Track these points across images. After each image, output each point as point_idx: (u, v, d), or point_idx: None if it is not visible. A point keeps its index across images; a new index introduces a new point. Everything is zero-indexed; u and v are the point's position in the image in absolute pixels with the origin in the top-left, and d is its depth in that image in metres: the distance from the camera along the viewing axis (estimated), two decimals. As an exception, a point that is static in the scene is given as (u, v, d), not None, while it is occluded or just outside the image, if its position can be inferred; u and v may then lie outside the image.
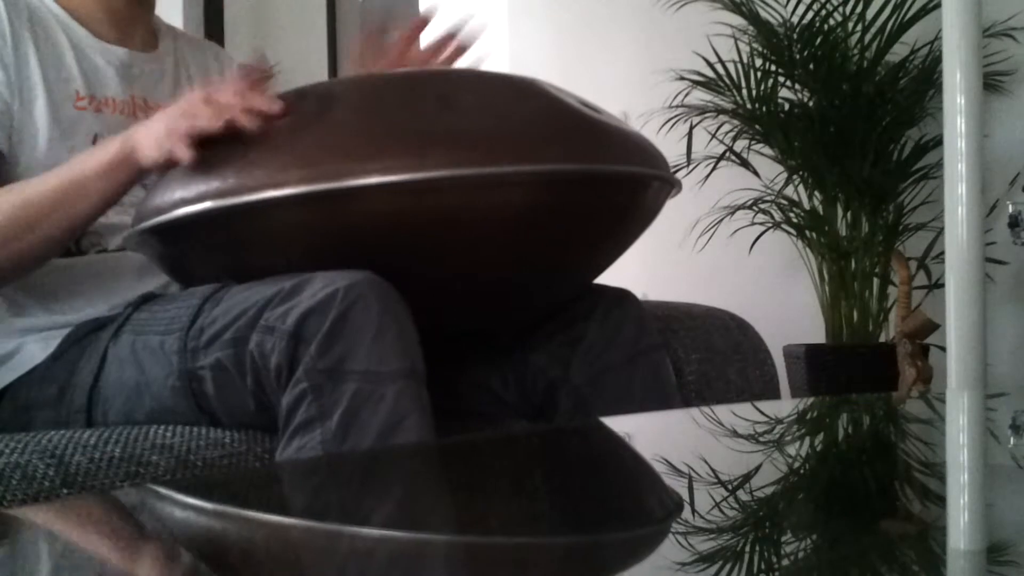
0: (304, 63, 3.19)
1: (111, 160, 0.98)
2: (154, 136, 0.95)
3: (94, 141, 1.09)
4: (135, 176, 0.99)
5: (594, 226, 0.99)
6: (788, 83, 2.51)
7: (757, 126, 2.55)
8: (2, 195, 1.00)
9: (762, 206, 2.57)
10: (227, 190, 0.90)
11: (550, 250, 0.98)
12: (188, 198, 0.92)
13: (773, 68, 2.50)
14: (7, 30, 1.06)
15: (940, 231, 1.76)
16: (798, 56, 2.43)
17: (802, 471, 0.64)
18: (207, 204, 0.90)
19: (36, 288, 1.09)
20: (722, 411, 0.91)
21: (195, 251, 1.00)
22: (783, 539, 0.47)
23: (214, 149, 0.95)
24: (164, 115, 0.96)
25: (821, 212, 2.51)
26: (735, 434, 0.78)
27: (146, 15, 1.21)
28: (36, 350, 1.07)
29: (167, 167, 0.96)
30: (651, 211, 1.04)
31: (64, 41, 1.11)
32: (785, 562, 0.43)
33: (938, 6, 1.67)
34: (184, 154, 0.92)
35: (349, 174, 0.87)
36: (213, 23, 3.39)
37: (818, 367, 2.37)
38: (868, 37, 2.41)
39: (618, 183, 0.97)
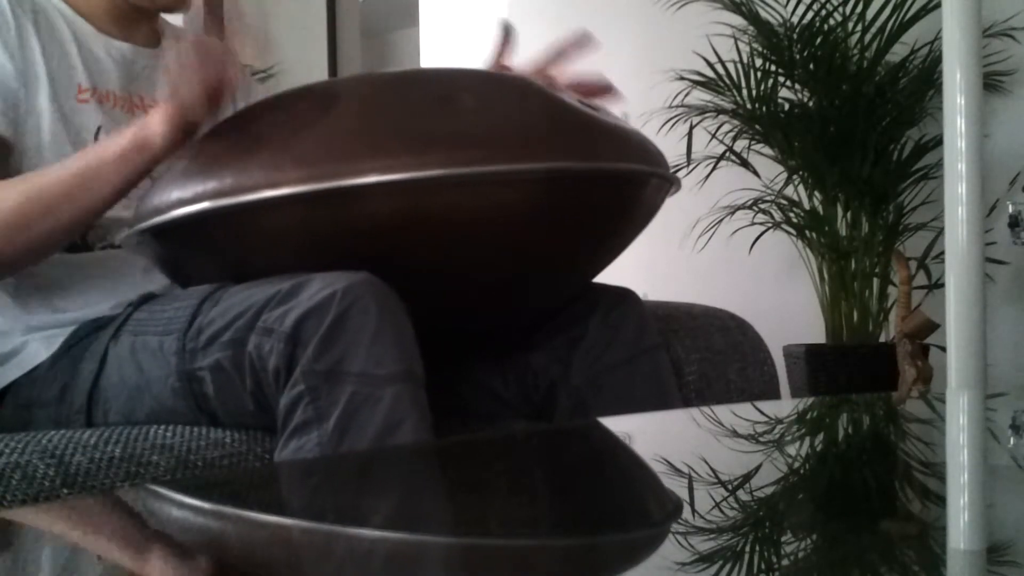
0: (304, 63, 3.19)
1: (127, 144, 0.98)
2: (163, 113, 0.96)
3: (97, 133, 1.09)
4: (152, 160, 0.99)
5: (593, 224, 0.99)
6: (788, 83, 2.52)
7: (757, 126, 2.55)
8: (15, 184, 1.00)
9: (762, 206, 2.58)
10: (225, 190, 0.90)
11: (549, 248, 0.98)
12: (186, 198, 0.92)
13: (773, 68, 2.50)
14: (11, 20, 1.06)
15: (940, 231, 1.76)
16: (798, 56, 2.43)
17: (802, 471, 0.64)
18: (205, 204, 0.90)
19: (41, 285, 1.09)
20: (722, 411, 0.91)
21: (193, 251, 1.00)
22: (783, 539, 0.47)
23: (212, 149, 0.95)
24: (166, 98, 0.97)
25: (821, 212, 2.51)
26: (735, 434, 0.78)
27: (150, 16, 1.21)
28: (40, 349, 1.07)
29: (183, 141, 0.97)
30: (650, 209, 1.04)
31: (67, 34, 1.11)
32: (785, 562, 0.43)
33: (938, 6, 1.67)
34: (199, 114, 0.95)
35: (347, 173, 0.87)
36: (213, 23, 3.38)
37: (818, 367, 2.37)
38: (868, 37, 2.42)
39: (617, 181, 0.97)
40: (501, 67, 1.17)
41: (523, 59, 1.14)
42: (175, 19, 1.29)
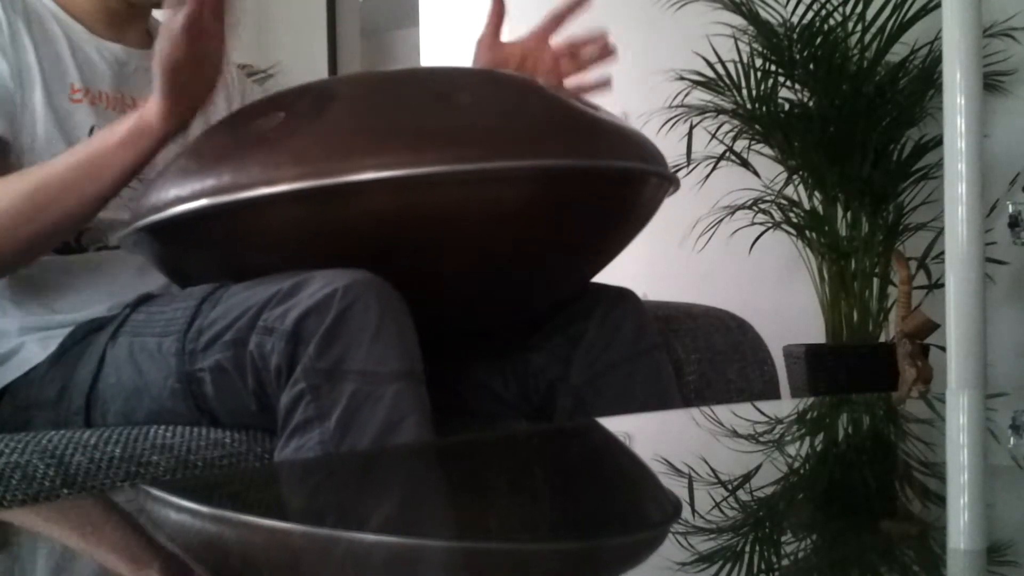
0: (304, 63, 3.19)
1: (127, 131, 0.98)
2: (161, 97, 0.96)
3: (90, 133, 1.09)
4: (152, 144, 0.99)
5: (592, 222, 0.99)
6: (788, 83, 2.52)
7: (757, 126, 2.55)
8: (18, 177, 1.00)
9: (762, 206, 2.58)
10: (222, 187, 0.90)
11: (548, 246, 0.98)
12: (183, 196, 0.92)
13: (773, 68, 2.50)
14: (4, 21, 1.06)
15: (940, 231, 1.76)
16: (798, 56, 2.43)
17: (802, 471, 0.64)
18: (203, 202, 0.90)
19: (36, 285, 1.09)
20: (722, 411, 0.91)
21: (191, 250, 1.00)
22: (783, 539, 0.47)
23: (210, 146, 0.95)
24: (156, 81, 0.97)
25: (821, 212, 2.51)
26: (735, 434, 0.78)
27: (142, 16, 1.21)
28: (37, 350, 1.07)
29: (182, 125, 0.98)
30: (649, 208, 1.04)
31: (59, 34, 1.11)
32: (785, 562, 0.43)
33: (938, 6, 1.67)
34: (195, 96, 0.96)
35: (345, 170, 0.87)
36: (213, 23, 3.38)
37: (818, 367, 2.37)
38: (868, 37, 2.42)
39: (616, 179, 0.97)
40: (495, 40, 1.17)
41: (519, 31, 1.16)
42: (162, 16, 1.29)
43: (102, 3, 1.15)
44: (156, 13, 1.23)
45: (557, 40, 1.18)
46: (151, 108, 0.97)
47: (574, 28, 1.18)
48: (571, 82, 1.18)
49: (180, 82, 0.95)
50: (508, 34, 1.20)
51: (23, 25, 1.08)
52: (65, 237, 1.05)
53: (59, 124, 1.07)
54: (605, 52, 1.18)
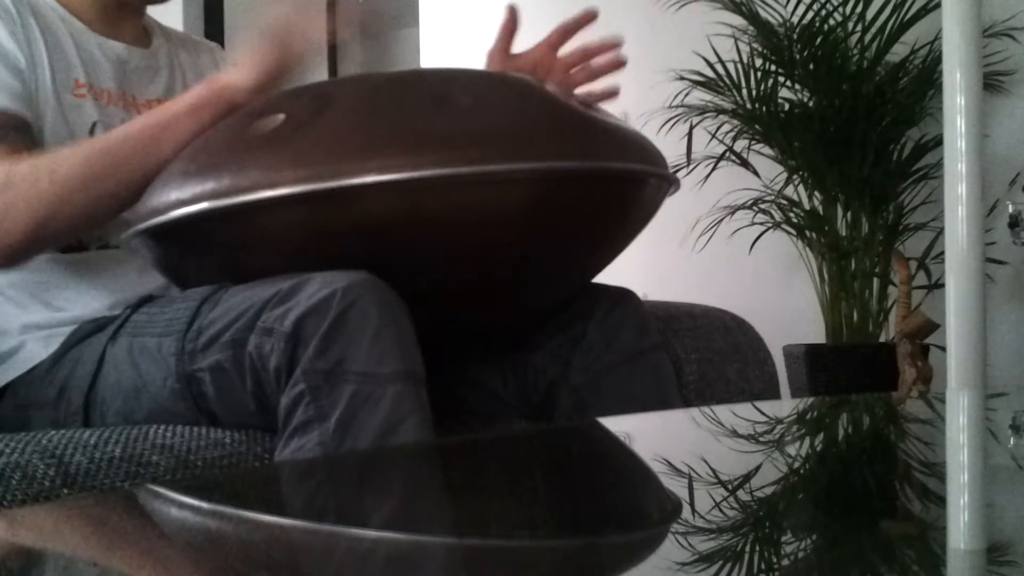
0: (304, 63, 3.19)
1: (199, 98, 1.01)
2: (250, 63, 1.00)
3: (92, 130, 1.10)
4: (226, 111, 1.01)
5: (592, 224, 0.99)
6: (788, 83, 2.51)
7: (757, 126, 2.55)
8: (78, 146, 1.01)
9: (762, 206, 2.57)
10: (222, 190, 0.90)
11: (547, 248, 0.98)
12: (184, 199, 0.92)
13: (773, 68, 2.50)
14: (15, 15, 1.07)
15: (940, 231, 1.76)
16: (798, 56, 2.43)
17: (802, 471, 0.64)
18: (203, 205, 0.90)
19: (39, 284, 1.09)
20: (722, 411, 0.91)
21: (191, 252, 1.00)
22: (783, 539, 0.47)
23: (210, 149, 0.95)
24: (261, 56, 1.02)
25: (821, 212, 2.51)
26: (735, 434, 0.78)
27: (137, 14, 1.22)
28: (38, 349, 1.07)
29: (262, 92, 1.01)
30: (649, 209, 1.04)
31: (64, 31, 1.12)
32: (785, 562, 0.43)
33: (938, 6, 1.67)
34: (277, 61, 1.01)
35: (345, 173, 0.87)
36: (213, 23, 3.38)
37: (818, 367, 2.37)
38: (868, 37, 2.41)
39: (615, 180, 0.97)
40: (506, 53, 1.17)
41: (528, 43, 1.16)
42: (162, 16, 1.29)
43: (98, 0, 1.16)
44: (150, 10, 1.24)
45: (570, 48, 1.19)
46: (235, 73, 1.01)
47: (588, 34, 1.18)
48: (579, 91, 1.18)
49: (280, 64, 1.00)
50: (519, 45, 1.20)
51: (32, 20, 1.09)
52: (122, 208, 1.04)
53: (64, 117, 1.08)
54: (616, 63, 1.18)
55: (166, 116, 1.01)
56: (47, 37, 1.09)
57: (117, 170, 0.99)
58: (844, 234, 2.48)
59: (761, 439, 0.75)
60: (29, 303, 1.09)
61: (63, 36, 1.11)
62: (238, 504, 0.58)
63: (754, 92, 2.52)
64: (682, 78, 2.63)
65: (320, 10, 1.01)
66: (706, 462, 0.65)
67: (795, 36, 2.41)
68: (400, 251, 0.91)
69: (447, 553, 0.46)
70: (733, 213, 2.59)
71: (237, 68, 1.02)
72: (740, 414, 0.88)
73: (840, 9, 2.40)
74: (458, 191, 0.89)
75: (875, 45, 2.41)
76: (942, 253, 1.59)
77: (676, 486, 0.59)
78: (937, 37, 2.10)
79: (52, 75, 1.08)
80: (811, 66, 2.43)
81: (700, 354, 1.22)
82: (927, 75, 2.34)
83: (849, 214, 2.47)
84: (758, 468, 0.63)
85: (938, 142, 2.12)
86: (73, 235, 1.07)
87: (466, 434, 1.05)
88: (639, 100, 2.71)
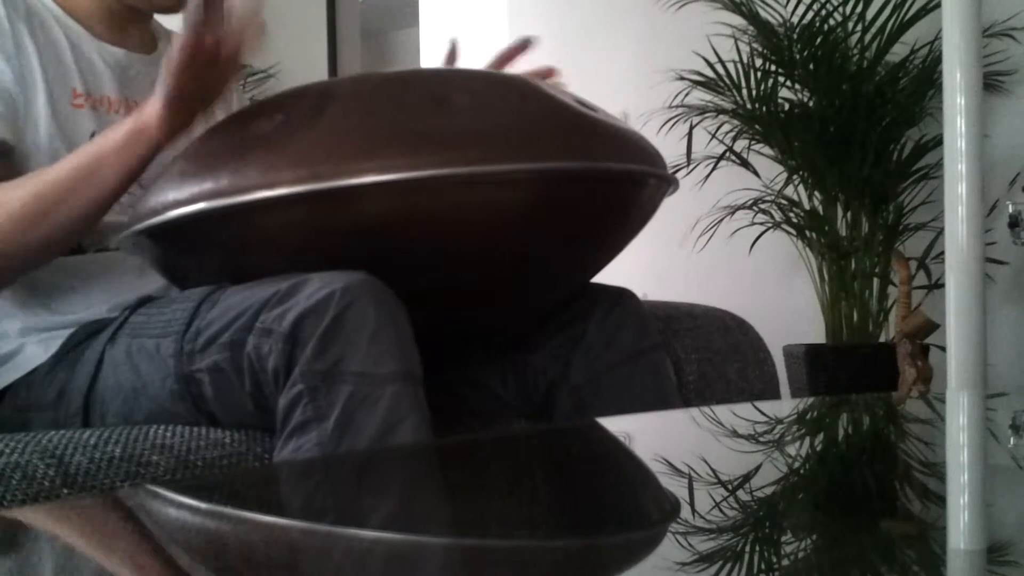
0: (304, 63, 3.19)
1: (125, 134, 0.98)
2: (161, 99, 0.96)
3: (91, 139, 1.09)
4: (150, 147, 0.98)
5: (591, 224, 0.99)
6: (788, 83, 2.52)
7: (757, 126, 2.55)
8: (22, 182, 1.00)
9: (762, 206, 2.58)
10: (221, 191, 0.90)
11: (547, 248, 0.98)
12: (181, 199, 0.92)
13: (773, 68, 2.50)
14: (7, 25, 1.05)
15: (940, 231, 1.76)
16: (798, 56, 2.43)
17: (802, 471, 0.64)
18: (201, 205, 0.90)
19: (38, 286, 1.09)
20: (722, 411, 0.91)
21: (190, 253, 1.00)
22: (783, 539, 0.47)
23: (208, 149, 0.95)
24: (162, 85, 0.96)
25: (821, 212, 2.51)
26: (735, 434, 0.78)
27: (143, 19, 1.21)
28: (38, 351, 1.07)
29: (180, 129, 0.97)
30: (648, 209, 1.04)
31: (62, 38, 1.10)
32: (785, 562, 0.43)
33: (938, 6, 1.67)
34: (197, 100, 0.96)
35: (344, 174, 0.87)
36: (213, 23, 3.37)
37: (818, 367, 2.37)
38: (868, 37, 2.42)
39: (614, 180, 0.97)
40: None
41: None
42: (170, 22, 1.29)
43: (103, 5, 1.14)
44: (158, 17, 1.23)
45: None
46: (150, 111, 0.97)
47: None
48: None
49: (187, 89, 0.95)
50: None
51: (25, 28, 1.07)
52: (71, 242, 1.05)
53: (61, 129, 1.07)
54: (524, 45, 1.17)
55: (100, 151, 0.98)
56: (42, 46, 1.08)
57: (56, 209, 0.98)
58: (844, 234, 2.48)
59: (761, 439, 0.75)
60: (28, 306, 1.09)
61: (60, 43, 1.10)
62: (238, 504, 0.58)
63: (754, 92, 2.52)
64: (682, 78, 2.63)
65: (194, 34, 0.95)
66: (706, 462, 0.65)
67: (795, 36, 2.41)
68: (399, 251, 0.91)
69: (446, 553, 0.46)
70: (733, 213, 2.60)
71: (153, 103, 0.97)
72: (740, 414, 0.88)
73: (840, 9, 2.41)
74: (457, 191, 0.89)
75: (875, 45, 2.41)
76: (942, 253, 1.60)
77: (676, 486, 0.59)
78: (937, 37, 2.10)
79: (47, 86, 1.07)
80: (811, 66, 2.43)
81: (700, 354, 1.22)
82: (927, 75, 2.34)
83: (849, 214, 2.47)
84: (758, 468, 0.63)
85: (938, 142, 2.12)
86: (24, 271, 1.05)
87: (466, 434, 1.05)
88: (639, 100, 2.72)
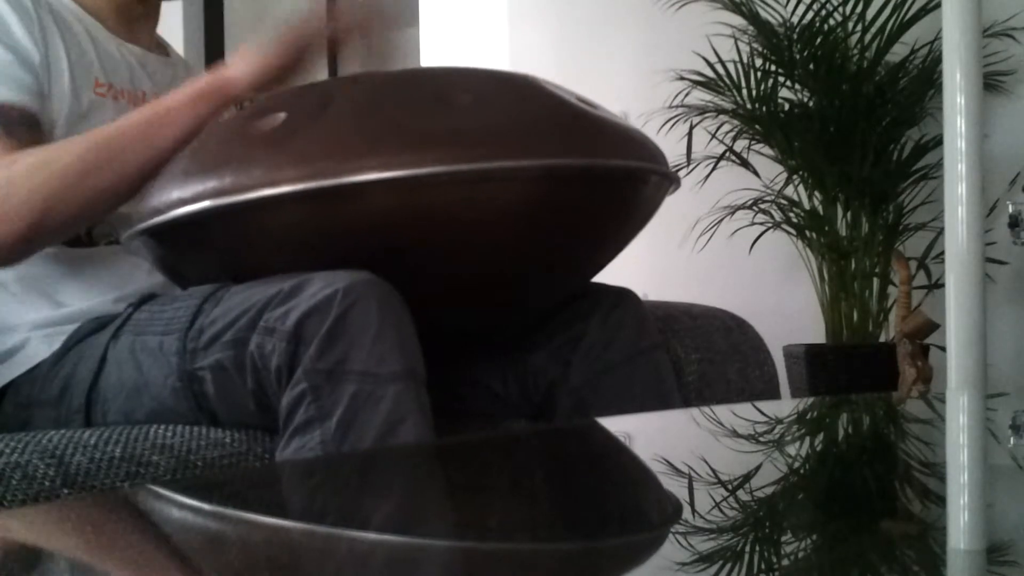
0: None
1: (199, 91, 1.02)
2: (250, 58, 1.00)
3: None
4: (227, 100, 1.03)
5: (593, 221, 0.99)
6: (788, 83, 2.52)
7: (757, 126, 2.55)
8: (70, 142, 1.01)
9: (762, 206, 2.58)
10: (224, 189, 0.90)
11: (549, 246, 0.98)
12: (185, 198, 0.92)
13: (773, 68, 2.50)
14: (34, 15, 1.07)
15: (940, 231, 1.76)
16: (798, 56, 2.43)
17: (802, 471, 0.64)
18: (204, 203, 0.90)
19: (44, 280, 1.09)
20: (722, 411, 0.91)
21: (193, 251, 1.00)
22: (783, 539, 0.47)
23: (211, 148, 0.95)
24: (259, 49, 1.03)
25: (821, 212, 2.51)
26: (735, 434, 0.78)
27: (152, 17, 1.22)
28: (41, 347, 1.07)
29: (262, 90, 1.02)
30: (650, 207, 1.04)
31: (83, 31, 1.12)
32: (785, 562, 0.43)
33: (938, 6, 1.67)
34: (280, 60, 1.01)
35: (346, 171, 0.87)
36: (213, 24, 3.38)
37: (818, 367, 2.37)
38: (868, 37, 2.42)
39: (616, 178, 0.97)
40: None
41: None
42: (171, 20, 1.30)
43: (112, 1, 1.16)
44: (163, 31, 1.25)
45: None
46: (235, 67, 1.01)
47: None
48: None
49: (288, 58, 1.01)
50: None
51: (50, 19, 1.09)
52: (120, 201, 1.04)
53: (82, 115, 1.08)
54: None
55: (164, 107, 1.01)
56: (66, 36, 1.09)
57: (114, 162, 0.99)
58: (844, 234, 2.48)
59: (761, 439, 0.75)
60: (34, 299, 1.09)
61: (82, 36, 1.11)
62: (238, 504, 0.58)
63: (754, 92, 2.52)
64: (682, 78, 2.63)
65: (322, 12, 1.01)
66: (706, 462, 0.65)
67: (795, 36, 2.41)
68: (401, 249, 0.91)
69: (447, 554, 0.46)
70: (733, 213, 2.60)
71: (240, 62, 1.02)
72: (740, 414, 0.89)
73: (840, 9, 2.41)
74: (460, 188, 0.89)
75: (875, 45, 2.41)
76: (942, 253, 1.59)
77: (676, 486, 0.59)
78: (937, 37, 2.11)
79: (71, 74, 1.08)
80: (811, 66, 2.43)
81: (700, 354, 1.22)
82: (927, 75, 2.34)
83: (849, 214, 2.47)
84: (758, 468, 0.63)
85: (938, 142, 2.12)
86: (72, 230, 1.06)
87: (466, 434, 1.05)
88: (639, 100, 2.72)
